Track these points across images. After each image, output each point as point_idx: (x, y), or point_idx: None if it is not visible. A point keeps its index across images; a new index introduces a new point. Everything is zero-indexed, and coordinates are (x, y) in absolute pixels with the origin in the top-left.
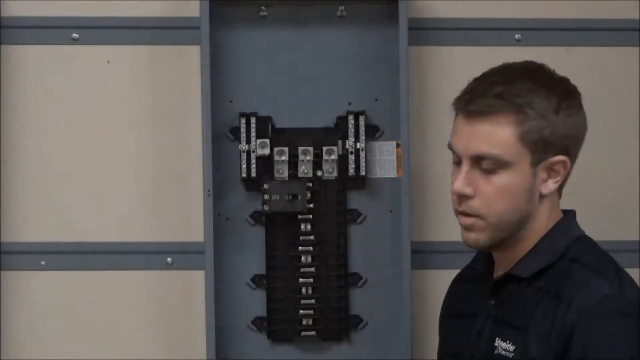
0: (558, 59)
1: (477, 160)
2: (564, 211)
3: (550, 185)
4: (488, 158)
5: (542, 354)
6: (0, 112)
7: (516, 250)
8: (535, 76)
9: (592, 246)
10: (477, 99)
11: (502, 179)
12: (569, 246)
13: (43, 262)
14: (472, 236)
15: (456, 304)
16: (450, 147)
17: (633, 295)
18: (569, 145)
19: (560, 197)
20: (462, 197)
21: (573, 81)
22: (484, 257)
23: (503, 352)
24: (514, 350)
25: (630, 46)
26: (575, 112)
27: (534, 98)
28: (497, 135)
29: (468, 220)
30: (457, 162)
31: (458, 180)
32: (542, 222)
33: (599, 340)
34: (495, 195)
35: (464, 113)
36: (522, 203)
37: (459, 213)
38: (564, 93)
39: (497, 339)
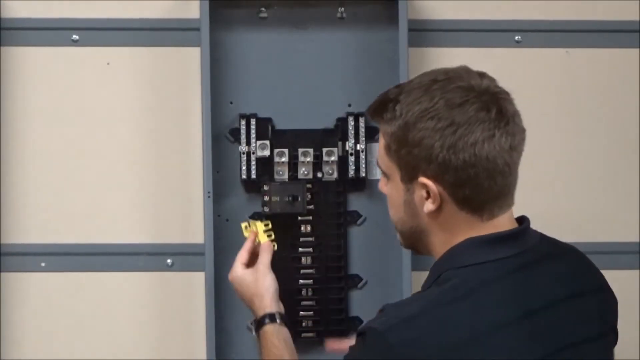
0: (558, 61)
1: None
2: (505, 233)
3: (428, 205)
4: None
5: None
6: (0, 113)
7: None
8: (421, 85)
9: (449, 280)
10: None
11: (387, 188)
12: (440, 276)
13: (43, 264)
14: None
15: None
16: None
17: (392, 341)
18: (438, 170)
19: (488, 218)
20: None
21: (573, 83)
22: None
23: None
24: None
25: (630, 48)
26: (442, 136)
27: (402, 110)
28: (380, 144)
29: None
30: None
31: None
32: (440, 242)
33: None
34: (388, 203)
35: None
36: (404, 216)
37: None
38: (436, 110)
39: None
